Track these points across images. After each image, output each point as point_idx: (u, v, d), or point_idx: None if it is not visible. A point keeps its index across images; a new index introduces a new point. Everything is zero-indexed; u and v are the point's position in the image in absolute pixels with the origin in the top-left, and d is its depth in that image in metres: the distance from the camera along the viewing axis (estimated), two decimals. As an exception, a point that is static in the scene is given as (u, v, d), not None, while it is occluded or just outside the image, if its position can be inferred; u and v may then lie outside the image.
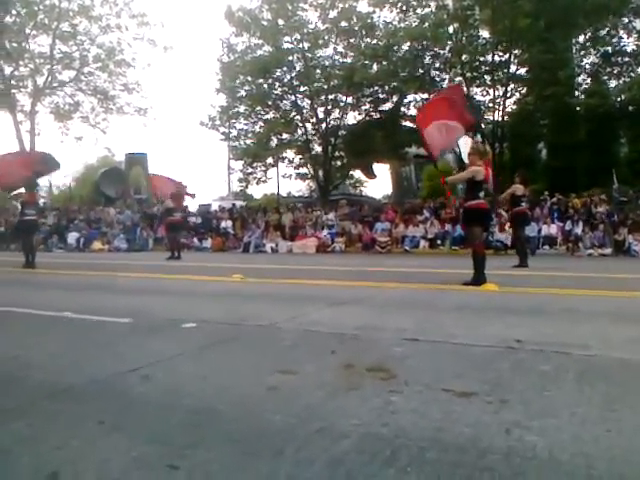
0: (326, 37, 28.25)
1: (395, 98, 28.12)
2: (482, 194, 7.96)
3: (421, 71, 26.01)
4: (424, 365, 3.38)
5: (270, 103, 30.19)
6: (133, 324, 4.97)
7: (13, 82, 31.76)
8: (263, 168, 31.19)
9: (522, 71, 26.12)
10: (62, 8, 31.05)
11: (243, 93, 30.28)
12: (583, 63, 26.08)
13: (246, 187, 32.72)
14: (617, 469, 1.93)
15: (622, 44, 24.72)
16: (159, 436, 2.29)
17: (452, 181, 8.32)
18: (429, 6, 25.50)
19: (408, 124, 29.65)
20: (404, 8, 25.75)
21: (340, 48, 28.57)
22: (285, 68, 29.07)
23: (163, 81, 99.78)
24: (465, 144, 28.23)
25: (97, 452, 2.15)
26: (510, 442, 2.16)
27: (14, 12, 30.32)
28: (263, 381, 3.06)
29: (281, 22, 28.22)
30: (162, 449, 2.15)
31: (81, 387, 3.05)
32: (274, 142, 30.24)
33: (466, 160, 10.24)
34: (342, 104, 29.48)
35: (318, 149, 30.88)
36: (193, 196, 20.26)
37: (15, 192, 14.50)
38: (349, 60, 27.90)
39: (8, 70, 31.81)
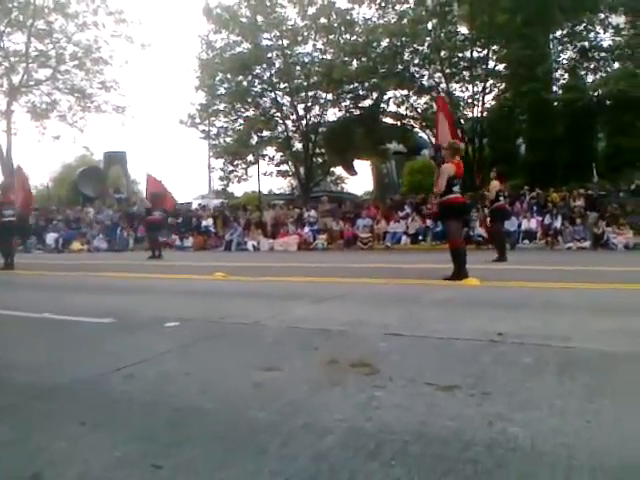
0: (305, 34, 28.22)
1: (375, 95, 28.15)
2: (457, 188, 7.99)
3: (400, 67, 26.05)
4: (408, 360, 3.40)
5: (250, 100, 30.08)
6: (115, 324, 4.93)
7: (-13, 81, 31.27)
8: (244, 166, 31.08)
9: (500, 67, 26.31)
10: (37, 5, 30.55)
11: (222, 90, 30.14)
12: (560, 58, 26.30)
13: (227, 185, 32.62)
14: (597, 459, 1.96)
15: (599, 39, 24.98)
16: (143, 435, 2.29)
17: (439, 191, 8.21)
18: (408, 2, 25.54)
19: (388, 120, 29.75)
20: (383, 4, 25.79)
21: (319, 45, 28.57)
22: (264, 65, 28.99)
23: (141, 79, 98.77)
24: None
25: (80, 452, 2.14)
26: (493, 434, 2.18)
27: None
28: (247, 378, 3.06)
29: (260, 19, 28.13)
30: (146, 448, 2.15)
31: (64, 388, 3.03)
32: (254, 140, 30.15)
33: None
34: (322, 101, 29.47)
35: (299, 146, 30.88)
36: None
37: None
38: (328, 57, 27.90)
39: (-17, 69, 31.33)
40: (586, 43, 24.97)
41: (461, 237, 8.55)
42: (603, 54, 25.02)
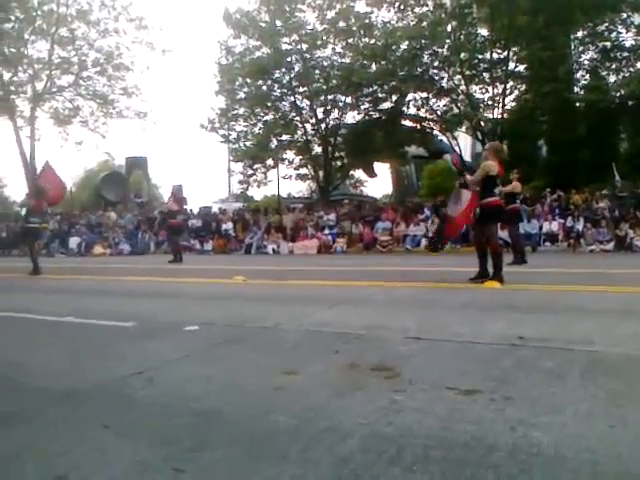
0: (324, 38, 28.19)
1: (394, 97, 28.03)
2: (497, 190, 7.91)
3: (420, 70, 25.95)
4: (428, 364, 3.38)
5: (269, 104, 30.13)
6: (136, 327, 4.97)
7: (12, 88, 31.71)
8: (263, 170, 31.14)
9: (521, 68, 26.05)
10: (60, 13, 31.02)
11: (242, 95, 30.22)
12: (582, 59, 26.01)
13: (246, 189, 32.74)
14: (623, 465, 1.93)
15: (621, 39, 24.65)
16: (164, 439, 2.30)
17: (472, 183, 8.07)
18: (427, 5, 25.46)
19: (408, 123, 29.66)
20: (402, 7, 25.75)
21: (338, 48, 28.52)
22: (284, 69, 29.02)
23: (162, 84, 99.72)
24: (465, 144, 28.24)
25: (102, 456, 2.15)
26: (515, 439, 2.16)
27: (12, 18, 30.31)
28: (268, 382, 3.06)
29: (279, 23, 28.20)
30: (168, 452, 2.16)
31: (85, 391, 3.05)
32: (274, 143, 30.22)
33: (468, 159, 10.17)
34: (341, 104, 29.40)
35: (318, 150, 30.82)
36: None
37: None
38: (348, 60, 27.84)
39: (7, 76, 31.79)
40: (608, 43, 24.66)
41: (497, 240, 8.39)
42: (625, 54, 24.71)
